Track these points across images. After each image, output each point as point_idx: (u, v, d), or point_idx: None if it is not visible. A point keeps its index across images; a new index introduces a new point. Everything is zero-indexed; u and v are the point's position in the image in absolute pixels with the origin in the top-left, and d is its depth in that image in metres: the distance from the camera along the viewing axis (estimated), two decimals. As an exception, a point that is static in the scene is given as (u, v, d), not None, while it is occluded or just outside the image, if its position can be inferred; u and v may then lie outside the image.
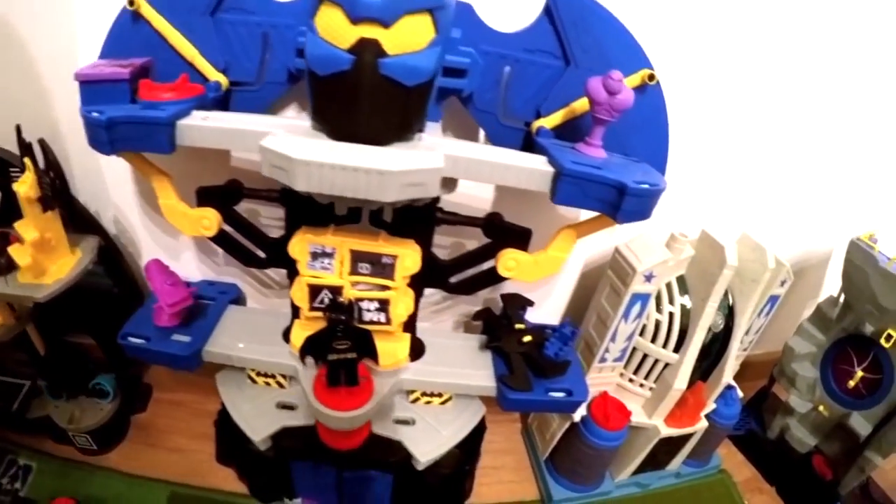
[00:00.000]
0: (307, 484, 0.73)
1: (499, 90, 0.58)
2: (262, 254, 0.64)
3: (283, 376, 0.68)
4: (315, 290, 0.56)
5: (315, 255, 0.54)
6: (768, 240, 0.76)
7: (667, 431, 0.78)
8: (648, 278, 0.67)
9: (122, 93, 0.51)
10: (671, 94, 0.59)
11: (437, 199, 0.57)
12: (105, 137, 0.48)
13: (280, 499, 0.77)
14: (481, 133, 0.64)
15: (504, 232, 0.60)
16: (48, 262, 0.63)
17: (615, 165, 0.52)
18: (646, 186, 0.49)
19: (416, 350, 0.67)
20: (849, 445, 0.91)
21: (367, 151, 0.43)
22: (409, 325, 0.64)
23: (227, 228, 0.61)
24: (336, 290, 0.56)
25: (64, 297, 0.65)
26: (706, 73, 0.70)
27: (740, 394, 0.89)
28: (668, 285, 0.73)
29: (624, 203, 0.49)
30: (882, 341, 0.83)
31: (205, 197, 0.59)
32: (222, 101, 0.58)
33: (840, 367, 0.91)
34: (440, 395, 0.70)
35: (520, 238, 0.59)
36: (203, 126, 0.49)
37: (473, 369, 0.66)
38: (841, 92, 0.78)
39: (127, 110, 0.49)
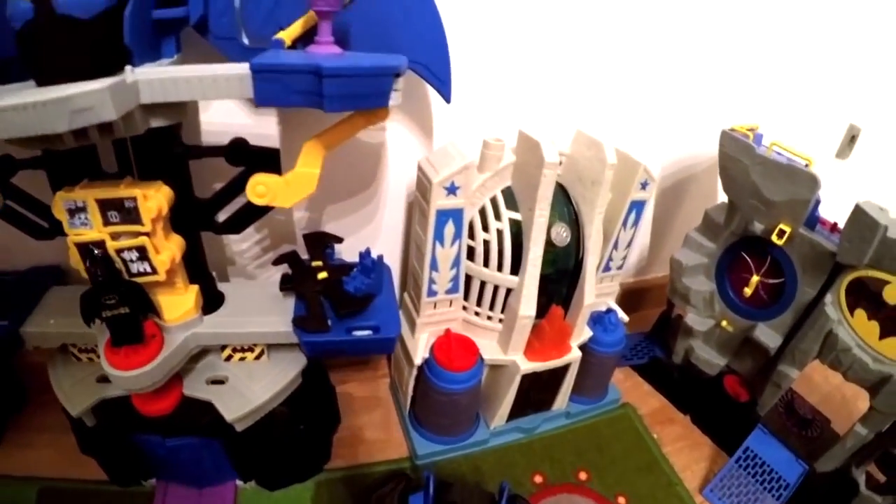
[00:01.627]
0: (148, 461, 0.69)
1: (233, 12, 0.52)
2: (45, 224, 0.60)
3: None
4: (83, 249, 0.52)
5: (71, 212, 0.51)
6: (637, 150, 0.68)
7: (528, 366, 0.70)
8: (451, 190, 0.60)
9: None
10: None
11: (173, 134, 0.52)
12: None
13: (137, 482, 0.74)
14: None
15: (250, 156, 0.54)
16: None
17: (338, 58, 0.47)
18: (347, 65, 0.43)
19: (212, 301, 0.62)
20: (760, 361, 0.82)
21: (48, 90, 0.40)
22: (198, 276, 0.59)
23: (13, 204, 0.58)
24: (99, 245, 0.52)
25: None
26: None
27: (623, 317, 0.80)
28: (494, 200, 0.66)
29: (325, 87, 0.43)
30: (774, 238, 0.73)
31: (-22, 173, 0.55)
32: None
33: (737, 276, 0.82)
34: (251, 349, 0.65)
35: (269, 161, 0.54)
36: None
37: (270, 316, 0.60)
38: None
39: None
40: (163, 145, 0.52)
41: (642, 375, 0.93)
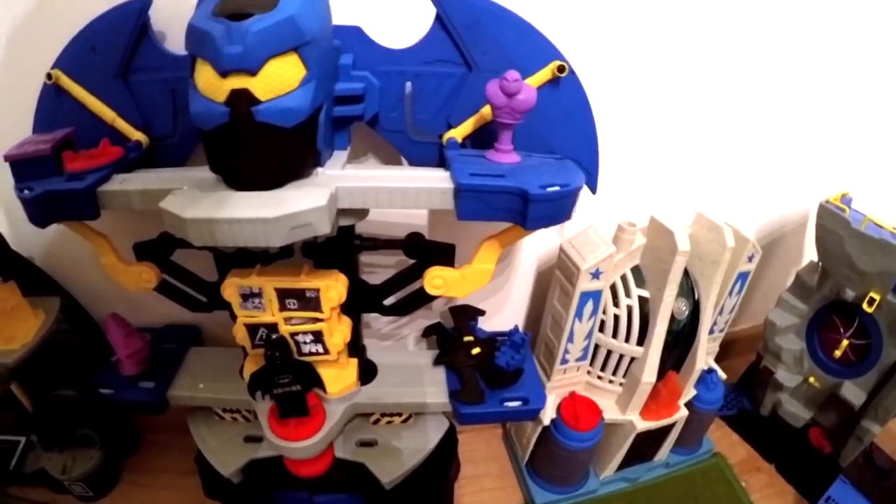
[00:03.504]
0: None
1: (404, 107, 0.57)
2: (203, 298, 0.66)
3: (248, 410, 0.70)
4: (252, 329, 0.58)
5: (245, 297, 0.55)
6: (731, 216, 0.74)
7: (643, 425, 0.77)
8: (596, 275, 0.66)
9: (49, 166, 0.53)
10: (596, 83, 0.57)
11: (351, 228, 0.57)
12: (36, 212, 0.51)
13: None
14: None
15: (426, 251, 0.59)
16: (13, 328, 0.67)
17: (525, 169, 0.51)
18: (552, 190, 0.48)
19: (368, 373, 0.67)
20: (844, 416, 0.87)
21: (254, 199, 0.44)
22: (355, 350, 0.64)
23: (169, 278, 0.63)
24: (271, 327, 0.57)
25: (38, 357, 0.68)
26: (632, 54, 0.69)
27: (722, 375, 0.87)
28: (624, 277, 0.72)
29: (529, 210, 0.48)
30: (864, 306, 0.79)
31: (141, 252, 0.61)
32: (147, 158, 0.60)
33: (826, 336, 0.88)
34: (399, 414, 0.70)
35: (443, 255, 0.59)
36: (119, 190, 0.51)
37: (426, 386, 0.66)
38: (784, 54, 0.75)
39: (51, 184, 0.51)
40: (343, 239, 0.56)
41: (731, 426, 0.99)
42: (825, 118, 0.86)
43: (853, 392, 0.84)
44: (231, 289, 0.55)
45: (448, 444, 0.73)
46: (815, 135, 0.88)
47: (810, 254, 0.89)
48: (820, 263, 0.86)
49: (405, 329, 0.85)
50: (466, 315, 0.71)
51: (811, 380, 0.89)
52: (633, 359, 0.74)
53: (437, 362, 0.68)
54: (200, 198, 0.45)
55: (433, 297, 0.61)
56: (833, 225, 0.81)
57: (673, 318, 0.73)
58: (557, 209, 0.50)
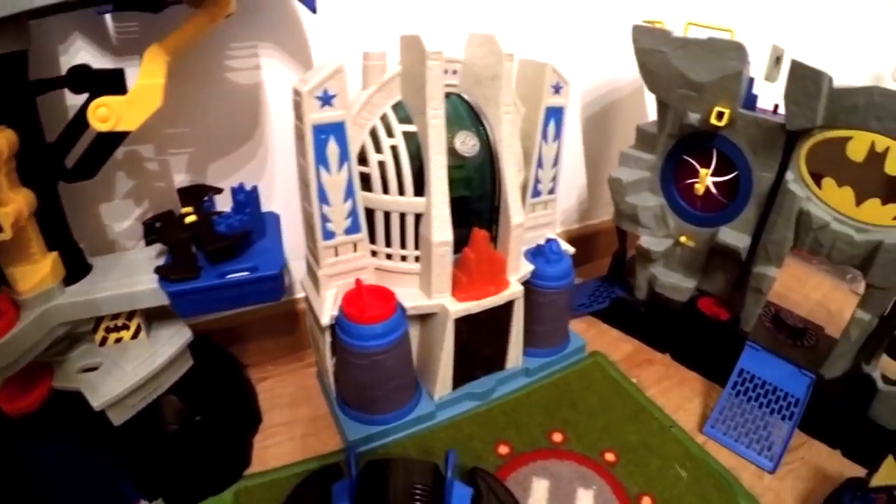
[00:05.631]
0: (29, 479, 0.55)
1: None
2: None
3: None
4: None
5: None
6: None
7: (460, 307, 0.59)
8: (326, 100, 0.51)
9: None
10: None
11: (20, 68, 0.44)
12: None
13: None
14: None
15: (94, 80, 0.48)
16: None
17: None
18: None
19: (76, 271, 0.51)
20: (734, 272, 0.72)
21: None
22: (59, 242, 0.48)
23: None
24: None
25: None
26: None
27: (567, 247, 0.70)
28: (385, 118, 0.57)
29: None
30: (713, 121, 0.65)
31: None
32: None
33: (685, 184, 0.73)
34: (126, 326, 0.54)
35: (114, 82, 0.48)
36: None
37: (137, 276, 0.51)
38: None
39: None
40: (4, 81, 0.43)
41: (607, 321, 0.82)
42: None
43: (733, 236, 0.69)
44: None
45: (219, 379, 0.55)
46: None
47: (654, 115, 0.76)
48: (656, 100, 0.73)
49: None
50: (199, 194, 0.55)
51: (683, 239, 0.73)
52: (418, 216, 0.57)
53: (147, 241, 0.52)
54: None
55: (115, 142, 0.48)
56: (653, 43, 0.68)
57: (462, 158, 0.58)
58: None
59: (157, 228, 0.52)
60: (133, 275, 0.51)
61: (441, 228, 0.56)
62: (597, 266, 0.87)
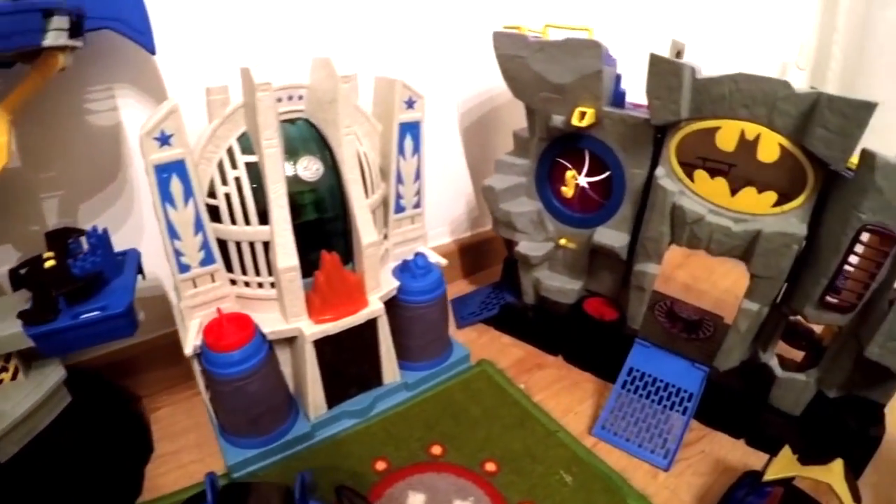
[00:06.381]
0: None
1: None
2: None
3: None
4: None
5: None
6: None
7: (316, 329, 0.60)
8: (164, 140, 0.53)
9: None
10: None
11: None
12: None
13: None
14: None
15: None
16: None
17: None
18: None
19: None
20: (618, 271, 0.72)
21: None
22: None
23: None
24: None
25: None
26: None
27: (438, 259, 0.71)
28: (230, 150, 0.58)
29: None
30: (575, 122, 0.65)
31: None
32: None
33: (559, 186, 0.73)
34: (5, 368, 0.56)
35: None
36: None
37: (5, 321, 0.52)
38: None
39: None
40: None
41: (498, 328, 0.82)
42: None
43: (610, 236, 0.69)
44: None
45: (104, 412, 0.57)
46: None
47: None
48: (524, 105, 0.73)
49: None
50: (64, 237, 0.57)
51: (563, 242, 0.73)
52: (266, 243, 0.59)
53: (14, 288, 0.54)
54: None
55: None
56: (512, 48, 0.69)
57: (305, 183, 0.59)
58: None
59: (21, 275, 0.54)
60: (3, 320, 0.53)
61: (285, 255, 0.58)
62: (490, 273, 0.87)
